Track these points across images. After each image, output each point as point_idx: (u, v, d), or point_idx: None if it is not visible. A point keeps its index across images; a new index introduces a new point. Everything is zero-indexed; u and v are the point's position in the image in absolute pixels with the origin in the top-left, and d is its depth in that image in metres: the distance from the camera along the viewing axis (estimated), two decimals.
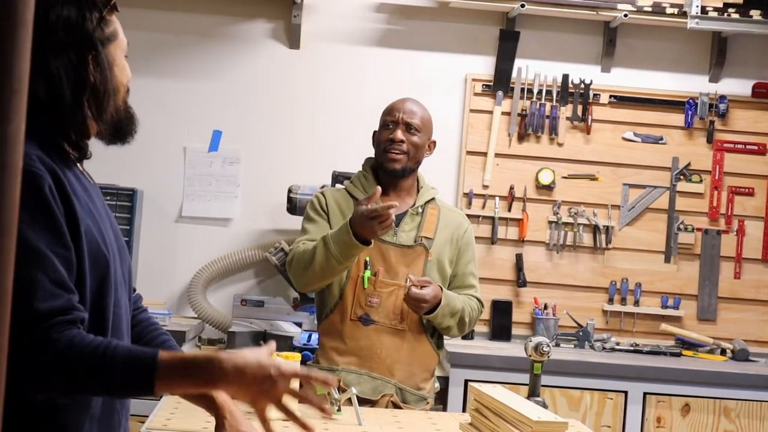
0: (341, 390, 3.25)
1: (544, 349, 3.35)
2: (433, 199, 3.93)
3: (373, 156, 3.96)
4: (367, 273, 3.71)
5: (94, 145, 2.20)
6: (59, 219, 1.92)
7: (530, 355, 3.38)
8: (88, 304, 1.99)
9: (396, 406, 3.65)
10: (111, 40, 2.16)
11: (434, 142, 3.95)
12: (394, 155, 3.81)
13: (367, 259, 3.72)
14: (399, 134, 3.80)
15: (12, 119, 0.90)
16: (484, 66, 5.70)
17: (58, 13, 2.03)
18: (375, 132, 3.95)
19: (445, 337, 3.93)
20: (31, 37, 0.93)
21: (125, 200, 5.39)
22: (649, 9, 5.45)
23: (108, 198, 5.34)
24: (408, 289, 3.62)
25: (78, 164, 2.16)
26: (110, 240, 2.10)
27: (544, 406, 3.13)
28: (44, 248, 1.88)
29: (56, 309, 1.88)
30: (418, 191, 3.93)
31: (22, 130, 0.92)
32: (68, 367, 1.88)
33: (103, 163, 5.49)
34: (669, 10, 5.44)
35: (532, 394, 3.35)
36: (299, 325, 5.00)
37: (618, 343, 5.31)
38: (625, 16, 5.42)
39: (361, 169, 3.97)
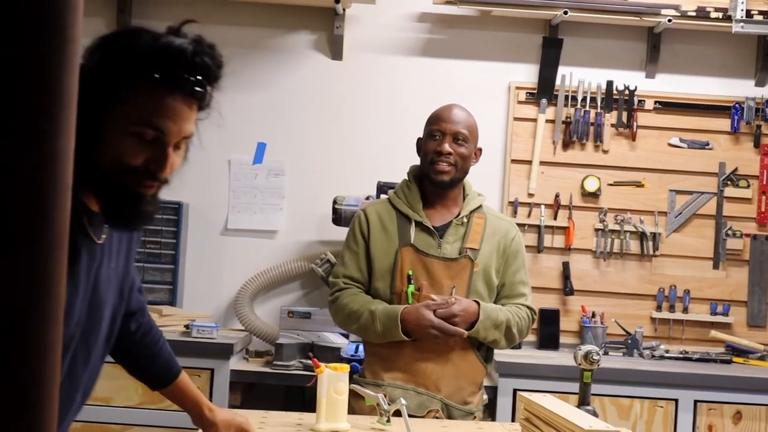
0: (390, 401, 3.23)
1: (594, 357, 3.32)
2: (480, 206, 3.87)
3: (416, 164, 3.92)
4: (411, 288, 3.66)
5: None
6: None
7: (580, 364, 3.35)
8: None
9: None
10: (119, 111, 1.97)
11: (480, 150, 3.89)
12: (442, 167, 3.73)
13: (410, 273, 3.67)
14: (446, 146, 3.72)
15: (62, 134, 0.90)
16: (527, 74, 5.68)
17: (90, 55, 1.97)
18: (419, 139, 3.89)
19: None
20: (79, 53, 0.93)
21: (171, 214, 5.42)
22: (693, 14, 5.41)
23: None
24: (434, 312, 3.59)
25: (88, 221, 2.07)
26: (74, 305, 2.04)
27: (595, 414, 3.11)
28: None
29: None
30: (464, 199, 3.88)
31: (72, 145, 0.93)
32: None
33: None
34: (713, 15, 5.39)
35: (582, 402, 3.32)
36: (346, 336, 4.99)
37: (667, 351, 5.27)
38: (669, 21, 5.38)
39: (405, 177, 3.94)
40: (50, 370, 0.89)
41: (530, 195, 5.61)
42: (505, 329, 3.69)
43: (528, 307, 3.82)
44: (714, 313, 5.58)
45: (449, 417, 3.64)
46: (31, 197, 0.89)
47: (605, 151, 5.63)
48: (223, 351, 4.79)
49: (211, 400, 4.63)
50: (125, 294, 2.31)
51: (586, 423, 2.61)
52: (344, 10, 5.56)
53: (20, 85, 0.88)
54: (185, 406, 2.67)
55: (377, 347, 3.73)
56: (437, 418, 3.61)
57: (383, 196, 4.38)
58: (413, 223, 3.75)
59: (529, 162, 5.61)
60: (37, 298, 0.88)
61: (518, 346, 5.19)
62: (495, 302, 3.76)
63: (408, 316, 3.58)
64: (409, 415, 3.30)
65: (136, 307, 2.54)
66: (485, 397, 3.94)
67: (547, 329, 5.44)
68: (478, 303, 3.64)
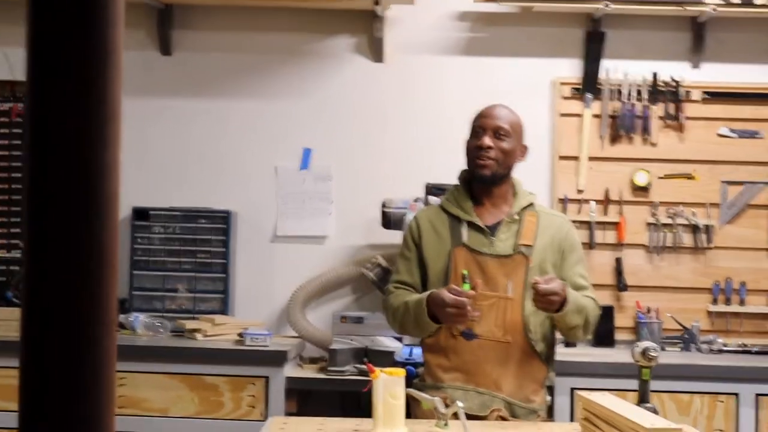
0: (447, 404, 3.20)
1: (652, 353, 3.28)
2: (531, 204, 3.84)
3: (466, 168, 3.90)
4: (466, 287, 3.64)
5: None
6: None
7: (638, 361, 3.31)
8: None
9: (504, 420, 3.57)
10: None
11: (526, 147, 3.87)
12: (483, 162, 3.74)
13: (465, 272, 3.65)
14: (486, 140, 3.73)
15: (108, 146, 0.89)
16: (571, 69, 5.63)
17: None
18: (467, 141, 3.89)
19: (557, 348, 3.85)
20: (121, 64, 0.92)
21: (220, 222, 5.43)
22: (738, 1, 5.33)
23: (203, 221, 5.39)
24: (534, 286, 3.50)
25: None
26: None
27: (655, 412, 3.06)
28: None
29: None
30: (514, 197, 3.85)
31: (119, 157, 0.91)
32: None
33: (197, 187, 5.58)
34: (758, 1, 5.31)
35: (642, 400, 3.27)
36: (400, 339, 4.97)
37: (725, 345, 5.20)
38: (714, 10, 5.31)
39: (456, 182, 3.91)
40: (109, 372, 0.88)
41: (579, 191, 5.56)
42: (584, 316, 3.66)
43: (593, 299, 3.77)
44: None
45: (513, 415, 3.60)
46: (81, 210, 0.87)
47: (653, 144, 5.56)
48: (277, 358, 4.78)
49: (266, 408, 4.67)
50: None
51: (648, 421, 2.57)
52: (384, 12, 5.54)
53: (65, 99, 0.87)
54: None
55: (435, 350, 3.72)
56: (501, 417, 3.57)
57: (433, 199, 4.38)
58: (464, 224, 3.75)
59: (577, 158, 5.57)
60: (92, 299, 0.88)
61: (573, 344, 5.15)
62: None
63: (431, 300, 3.57)
64: (473, 416, 3.28)
65: None
66: (549, 398, 3.88)
67: (602, 326, 5.34)
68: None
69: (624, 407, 2.77)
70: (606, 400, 2.84)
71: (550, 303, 3.50)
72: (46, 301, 0.88)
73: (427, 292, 3.63)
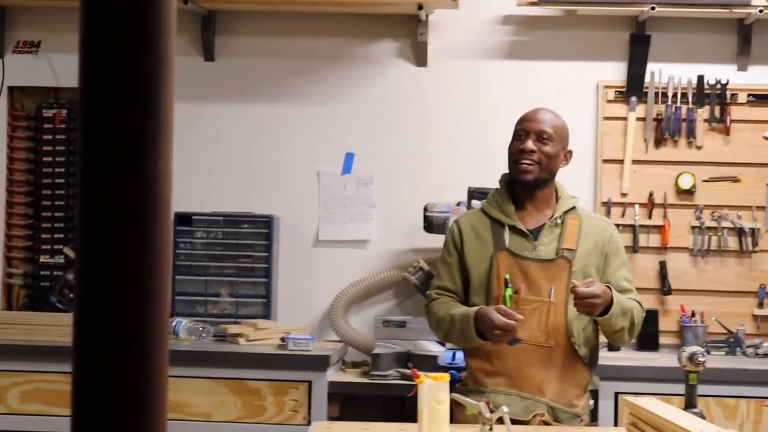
0: (494, 408, 3.19)
1: (700, 359, 3.25)
2: (573, 208, 3.80)
3: (507, 172, 3.88)
4: (509, 291, 3.61)
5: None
6: None
7: (684, 366, 3.28)
8: None
9: (548, 425, 3.55)
10: None
11: (570, 152, 3.83)
12: (525, 166, 3.69)
13: (507, 276, 3.63)
14: (529, 144, 3.69)
15: (161, 155, 0.89)
16: (615, 72, 5.59)
17: None
18: (510, 144, 3.86)
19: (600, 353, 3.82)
20: (174, 71, 0.92)
21: (262, 227, 5.44)
22: None
23: (246, 226, 5.41)
24: (573, 290, 3.46)
25: None
26: None
27: (703, 417, 3.04)
28: None
29: None
30: (557, 201, 3.82)
31: (171, 165, 0.91)
32: None
33: (239, 192, 5.59)
34: None
35: (689, 405, 3.25)
36: (442, 344, 4.95)
37: None
38: (761, 12, 5.26)
39: (497, 185, 3.89)
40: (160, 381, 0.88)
41: (623, 195, 5.52)
42: (630, 318, 3.62)
43: (637, 302, 3.73)
44: None
45: (555, 419, 3.58)
46: (133, 220, 0.87)
47: (699, 147, 5.52)
48: (320, 363, 4.79)
49: (309, 413, 4.67)
50: None
51: (697, 427, 2.54)
52: (427, 16, 5.53)
53: (118, 107, 0.87)
54: None
55: (478, 355, 3.70)
56: (544, 421, 3.55)
57: (476, 203, 4.35)
58: (507, 228, 3.72)
59: (621, 161, 5.53)
60: (144, 308, 0.88)
61: (617, 348, 5.12)
62: None
63: (479, 317, 3.54)
64: (516, 421, 3.26)
65: None
66: (592, 402, 3.86)
67: (647, 330, 5.31)
68: (609, 288, 3.56)
69: (671, 412, 2.74)
70: (653, 406, 2.82)
71: (591, 306, 3.46)
72: (98, 311, 0.87)
73: (475, 308, 3.59)
